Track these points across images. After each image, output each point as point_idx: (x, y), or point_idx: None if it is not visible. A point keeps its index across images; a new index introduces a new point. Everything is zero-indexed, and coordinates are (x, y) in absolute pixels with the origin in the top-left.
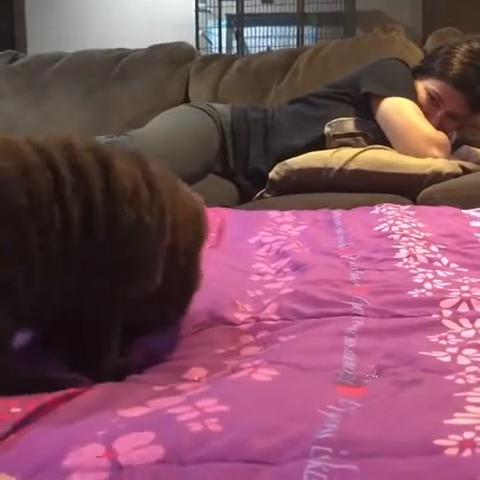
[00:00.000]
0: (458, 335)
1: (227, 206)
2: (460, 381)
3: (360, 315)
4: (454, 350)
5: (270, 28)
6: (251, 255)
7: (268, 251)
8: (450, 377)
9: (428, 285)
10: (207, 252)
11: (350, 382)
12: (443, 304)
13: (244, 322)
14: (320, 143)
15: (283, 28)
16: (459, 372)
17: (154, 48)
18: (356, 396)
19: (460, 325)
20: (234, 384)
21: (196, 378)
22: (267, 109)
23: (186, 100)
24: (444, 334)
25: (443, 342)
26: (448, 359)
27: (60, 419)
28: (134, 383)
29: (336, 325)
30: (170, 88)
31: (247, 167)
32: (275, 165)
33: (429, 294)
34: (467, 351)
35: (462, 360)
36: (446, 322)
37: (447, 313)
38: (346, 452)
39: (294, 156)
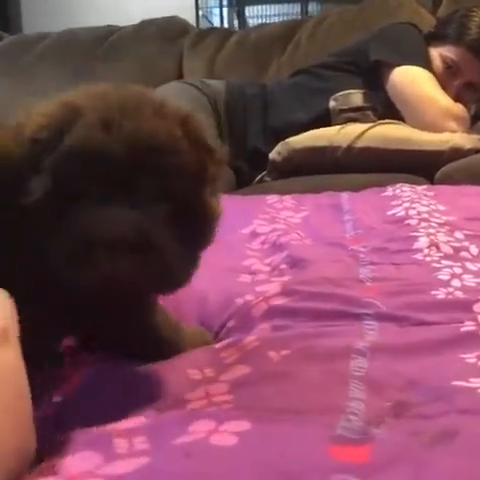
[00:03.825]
0: None
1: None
2: None
3: (373, 324)
4: None
5: (273, 6)
6: (242, 249)
7: (263, 243)
8: None
9: (456, 282)
10: None
11: (352, 435)
12: (477, 308)
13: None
14: (325, 118)
15: (286, 5)
16: None
17: (144, 23)
18: (356, 462)
19: None
20: (179, 459)
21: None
22: (265, 84)
23: (180, 78)
24: None
25: None
26: None
27: None
28: None
29: (342, 339)
30: (163, 65)
31: (245, 147)
32: (276, 144)
33: (458, 294)
34: None
35: None
36: None
37: None
38: None
39: (296, 133)
